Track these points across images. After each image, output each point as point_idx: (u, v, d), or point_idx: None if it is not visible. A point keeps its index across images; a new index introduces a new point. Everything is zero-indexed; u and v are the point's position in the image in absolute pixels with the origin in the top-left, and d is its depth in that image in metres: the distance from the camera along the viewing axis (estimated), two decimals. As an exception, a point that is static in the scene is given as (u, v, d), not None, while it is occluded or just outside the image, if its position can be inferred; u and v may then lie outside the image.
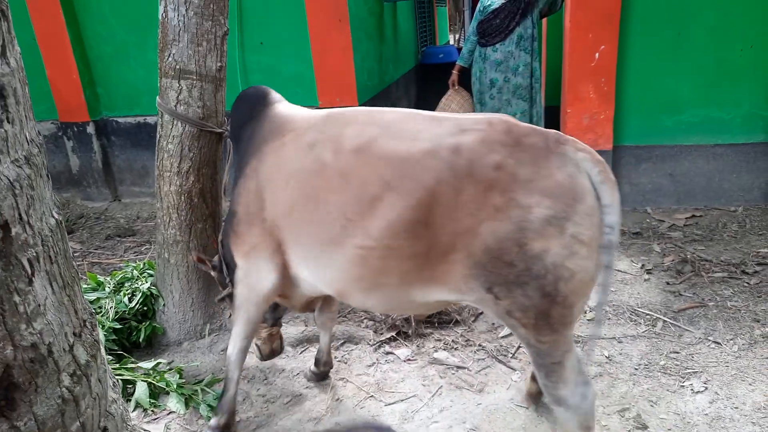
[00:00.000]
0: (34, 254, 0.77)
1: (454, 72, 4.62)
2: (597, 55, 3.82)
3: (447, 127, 1.58)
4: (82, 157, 5.26)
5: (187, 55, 2.49)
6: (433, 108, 4.73)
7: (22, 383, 0.75)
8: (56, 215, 0.85)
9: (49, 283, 0.79)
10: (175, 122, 2.57)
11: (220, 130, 2.65)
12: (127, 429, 1.04)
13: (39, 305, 0.77)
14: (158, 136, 2.65)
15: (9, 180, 0.73)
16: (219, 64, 2.57)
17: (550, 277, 1.41)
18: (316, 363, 2.57)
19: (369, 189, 1.60)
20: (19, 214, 0.74)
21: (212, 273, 2.37)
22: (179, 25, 2.44)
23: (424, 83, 7.80)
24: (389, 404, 2.40)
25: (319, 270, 1.85)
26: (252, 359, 2.64)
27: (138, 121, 5.12)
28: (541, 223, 1.40)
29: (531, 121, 4.52)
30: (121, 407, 1.03)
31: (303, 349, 2.83)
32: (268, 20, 4.61)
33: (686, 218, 3.98)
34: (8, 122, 0.73)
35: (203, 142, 2.62)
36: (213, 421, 2.21)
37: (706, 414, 2.20)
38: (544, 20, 5.63)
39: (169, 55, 2.49)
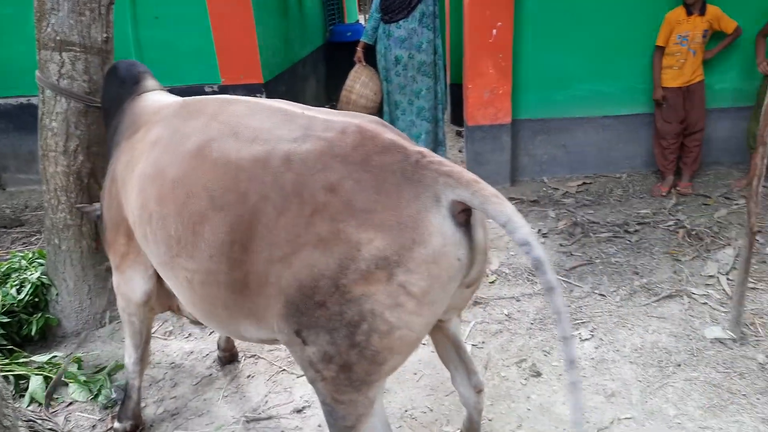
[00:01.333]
0: None
1: (359, 49, 4.63)
2: (494, 31, 3.98)
3: (293, 128, 1.34)
4: (-45, 142, 4.78)
5: (68, 25, 2.33)
6: (341, 86, 4.73)
7: None
8: None
9: None
10: (58, 98, 2.40)
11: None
12: (9, 408, 0.99)
13: None
14: (40, 113, 2.47)
15: None
16: (105, 35, 2.43)
17: (365, 327, 1.17)
18: (218, 347, 2.54)
19: (194, 201, 1.39)
20: None
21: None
22: (56, -9, 2.28)
23: (333, 61, 7.75)
24: (301, 375, 2.42)
25: (171, 287, 1.68)
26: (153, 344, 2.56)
27: (21, 102, 4.71)
28: (368, 264, 1.14)
29: (436, 98, 4.64)
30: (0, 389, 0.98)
31: (211, 330, 2.78)
32: (163, -7, 4.39)
33: (578, 185, 4.28)
34: None
35: (91, 118, 2.48)
36: (119, 426, 2.11)
37: (593, 358, 2.42)
38: (447, -2, 5.77)
39: (48, 24, 2.32)
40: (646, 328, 2.59)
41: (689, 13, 3.78)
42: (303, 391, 2.33)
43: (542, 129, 4.35)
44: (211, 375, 2.49)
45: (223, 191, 1.32)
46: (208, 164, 1.38)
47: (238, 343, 2.61)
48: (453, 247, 1.18)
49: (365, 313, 1.16)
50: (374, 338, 1.17)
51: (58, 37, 2.34)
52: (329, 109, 1.49)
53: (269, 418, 2.21)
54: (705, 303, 2.75)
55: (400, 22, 4.37)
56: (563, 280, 3.02)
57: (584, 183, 4.33)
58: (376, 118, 1.42)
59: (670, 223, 3.58)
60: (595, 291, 2.91)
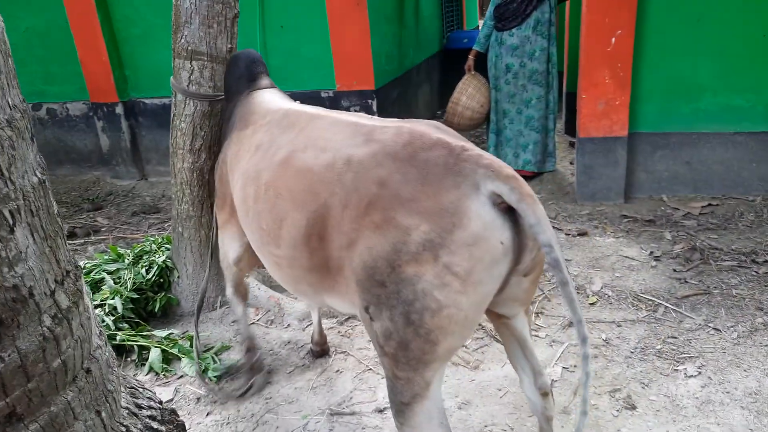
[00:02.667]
0: (15, 207, 0.87)
1: (470, 57, 4.62)
2: (613, 40, 3.77)
3: (356, 136, 1.52)
4: (112, 137, 5.46)
5: (198, 37, 2.58)
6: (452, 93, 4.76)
7: (5, 320, 0.85)
8: (39, 175, 0.95)
9: (30, 234, 0.90)
10: (187, 101, 2.68)
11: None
12: (113, 374, 1.15)
13: (20, 252, 0.87)
14: (172, 115, 2.76)
15: (-9, 139, 0.83)
16: (229, 45, 2.66)
17: (418, 305, 1.27)
18: (312, 341, 2.69)
19: (281, 201, 1.64)
20: (1, 171, 0.84)
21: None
22: (191, 7, 2.54)
23: (448, 68, 7.78)
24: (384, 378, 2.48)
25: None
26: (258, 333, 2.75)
27: (164, 102, 5.28)
28: (417, 246, 1.26)
29: (547, 107, 4.50)
30: (107, 354, 1.14)
31: (309, 323, 2.93)
32: (289, 3, 4.69)
33: (702, 207, 3.93)
34: (-13, 88, 0.83)
35: (214, 121, 2.73)
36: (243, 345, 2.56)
37: (697, 397, 2.22)
38: (567, 4, 5.55)
39: (182, 36, 2.60)
40: (765, 372, 2.32)
41: None
42: (386, 392, 2.39)
43: (663, 143, 4.04)
44: (303, 365, 2.63)
45: (302, 193, 1.55)
46: (291, 171, 1.63)
47: (330, 339, 2.73)
48: (493, 231, 1.26)
49: (417, 292, 1.26)
50: (426, 316, 1.27)
51: (189, 47, 2.61)
52: (394, 119, 1.66)
53: (352, 413, 2.29)
54: (844, 350, 2.40)
55: (513, 30, 4.30)
56: (672, 309, 2.80)
57: (709, 204, 3.95)
58: (432, 121, 1.56)
59: (810, 256, 3.17)
60: (709, 324, 2.66)
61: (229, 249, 2.37)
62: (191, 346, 2.75)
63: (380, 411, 2.29)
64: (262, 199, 1.73)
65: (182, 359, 2.68)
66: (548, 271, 3.19)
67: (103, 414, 1.06)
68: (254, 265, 2.43)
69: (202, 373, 2.58)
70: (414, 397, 1.40)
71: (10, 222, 0.85)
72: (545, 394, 1.75)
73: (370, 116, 1.69)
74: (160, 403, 1.38)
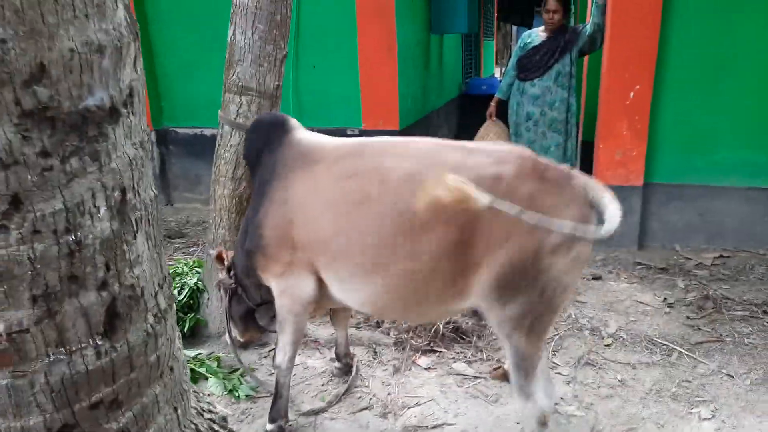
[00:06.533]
0: (139, 216, 1.01)
1: (492, 104, 4.82)
2: (632, 94, 3.96)
3: (483, 158, 1.83)
4: (142, 163, 5.67)
5: (249, 74, 2.79)
6: (472, 137, 4.95)
7: (122, 314, 0.98)
8: (154, 190, 1.10)
9: (146, 240, 1.04)
10: (233, 132, 2.86)
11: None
12: (187, 375, 1.27)
13: (138, 256, 1.01)
14: (217, 145, 2.94)
15: (129, 158, 0.98)
16: (276, 83, 2.86)
17: (552, 286, 1.71)
18: (337, 358, 2.78)
19: (419, 215, 1.78)
20: (133, 184, 0.98)
21: (221, 274, 2.53)
22: (245, 47, 2.75)
23: (466, 113, 8.04)
24: (409, 407, 2.56)
25: (354, 291, 2.04)
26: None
27: (195, 132, 5.51)
28: (556, 243, 1.68)
29: (565, 154, 4.67)
30: (184, 355, 1.26)
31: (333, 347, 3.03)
32: (322, 45, 4.96)
33: (714, 258, 4.03)
34: (132, 114, 0.99)
35: (256, 152, 2.90)
36: (272, 427, 2.32)
37: (712, 440, 2.29)
38: (586, 58, 5.80)
39: (234, 73, 2.80)
40: (778, 419, 2.39)
41: None
42: (408, 422, 2.46)
43: (677, 194, 4.18)
44: (326, 391, 2.72)
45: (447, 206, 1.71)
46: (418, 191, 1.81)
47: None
48: (594, 228, 1.67)
49: (552, 276, 1.70)
50: (558, 294, 1.74)
51: (240, 83, 2.80)
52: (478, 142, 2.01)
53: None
54: None
55: (535, 80, 4.51)
56: (686, 354, 2.88)
57: (721, 256, 4.06)
58: (522, 148, 1.94)
59: (821, 309, 3.25)
60: (723, 370, 2.74)
61: (302, 287, 2.16)
62: (218, 366, 2.84)
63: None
64: (388, 215, 1.83)
65: (209, 379, 2.77)
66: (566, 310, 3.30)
67: (179, 411, 1.18)
68: (324, 306, 2.35)
69: (229, 392, 2.68)
70: (539, 357, 1.86)
71: (135, 228, 0.99)
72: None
73: (453, 141, 2.01)
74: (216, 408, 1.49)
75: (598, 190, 1.76)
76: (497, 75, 13.63)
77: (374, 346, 3.01)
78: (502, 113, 4.84)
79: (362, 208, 1.89)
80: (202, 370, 2.80)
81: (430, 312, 2.10)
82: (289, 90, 4.97)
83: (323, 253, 2.02)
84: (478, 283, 1.80)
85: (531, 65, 4.49)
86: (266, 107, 2.85)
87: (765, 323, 3.13)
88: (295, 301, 2.19)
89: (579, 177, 1.81)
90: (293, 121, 2.32)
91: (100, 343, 0.95)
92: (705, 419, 2.40)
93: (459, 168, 1.76)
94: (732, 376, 2.68)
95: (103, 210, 0.91)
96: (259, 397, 2.66)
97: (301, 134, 2.23)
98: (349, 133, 5.07)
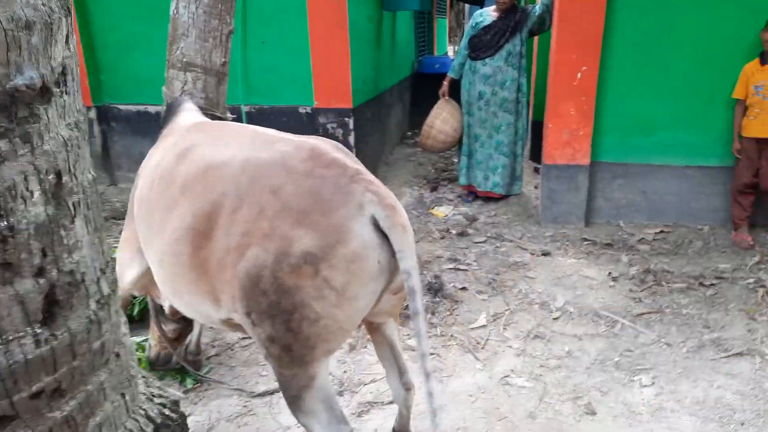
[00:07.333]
0: (77, 200, 0.96)
1: (445, 83, 4.85)
2: (579, 75, 4.06)
3: (258, 141, 1.57)
4: (82, 142, 5.42)
5: (194, 50, 2.68)
6: (425, 116, 4.97)
7: (62, 301, 0.94)
8: (92, 172, 1.05)
9: (86, 225, 0.99)
10: (179, 111, 2.75)
11: (222, 116, 2.85)
12: (135, 361, 1.23)
13: (78, 241, 0.97)
14: (161, 122, 2.83)
15: (63, 138, 0.93)
16: (223, 59, 2.77)
17: (297, 315, 1.36)
18: (186, 350, 2.64)
19: (171, 192, 1.62)
20: (68, 167, 0.93)
21: None
22: (189, 21, 2.64)
23: (419, 91, 8.05)
24: (365, 384, 2.59)
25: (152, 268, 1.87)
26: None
27: (138, 109, 5.29)
28: (298, 258, 1.32)
29: (516, 133, 4.76)
30: (130, 340, 1.22)
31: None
32: (271, 20, 4.82)
33: (655, 233, 4.22)
34: (66, 94, 0.93)
35: (204, 131, 2.81)
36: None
37: (651, 405, 2.42)
38: (536, 39, 5.89)
39: (177, 48, 2.68)
40: (711, 383, 2.55)
41: (763, 63, 3.72)
42: (362, 399, 2.49)
43: (621, 173, 4.34)
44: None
45: (194, 184, 1.54)
46: (186, 162, 1.63)
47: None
48: (372, 251, 1.36)
49: (296, 303, 1.34)
50: (304, 325, 1.36)
51: (184, 59, 2.69)
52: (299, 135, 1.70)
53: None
54: (779, 365, 2.66)
55: (486, 60, 4.56)
56: (629, 325, 3.02)
57: (662, 231, 4.26)
58: (333, 141, 1.62)
59: (750, 280, 3.46)
60: (662, 339, 2.89)
61: (125, 271, 2.12)
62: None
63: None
64: (156, 191, 1.71)
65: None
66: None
67: (127, 397, 1.14)
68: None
69: (181, 381, 2.62)
70: (301, 389, 1.51)
71: (72, 213, 0.94)
72: (408, 389, 1.98)
73: (273, 130, 1.74)
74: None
75: (383, 215, 1.37)
76: (450, 53, 13.68)
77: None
78: (455, 92, 4.87)
79: (149, 177, 1.80)
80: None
81: (198, 312, 1.76)
82: (237, 66, 4.83)
83: (140, 230, 1.91)
84: (227, 291, 1.48)
85: (482, 45, 4.53)
86: (212, 84, 2.75)
87: (701, 295, 3.32)
88: (120, 279, 2.09)
89: (364, 186, 1.40)
90: (188, 104, 2.32)
91: (39, 331, 0.91)
92: (645, 386, 2.54)
93: (226, 147, 1.60)
94: (670, 345, 2.84)
95: (36, 194, 0.86)
96: (210, 381, 2.63)
97: (184, 116, 2.20)
98: (301, 110, 4.99)
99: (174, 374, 2.61)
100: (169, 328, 2.46)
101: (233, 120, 2.89)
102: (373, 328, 1.87)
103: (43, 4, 0.85)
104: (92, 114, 5.33)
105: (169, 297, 1.82)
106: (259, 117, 5.00)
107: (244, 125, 1.83)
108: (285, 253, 1.32)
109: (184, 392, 2.54)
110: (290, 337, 1.38)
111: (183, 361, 2.55)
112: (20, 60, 0.82)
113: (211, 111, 2.77)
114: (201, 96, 2.76)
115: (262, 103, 5.06)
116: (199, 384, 2.59)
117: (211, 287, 1.53)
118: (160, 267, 1.70)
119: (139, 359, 2.66)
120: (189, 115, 2.23)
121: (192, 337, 2.63)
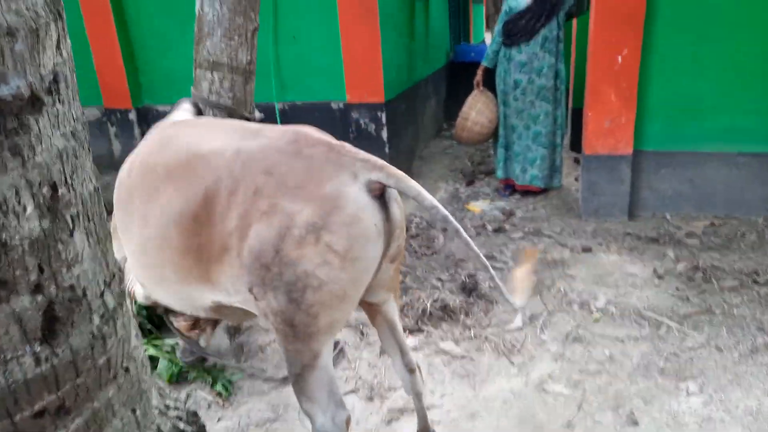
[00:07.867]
0: (75, 212, 0.93)
1: (479, 72, 4.70)
2: (619, 58, 3.85)
3: (246, 132, 1.63)
4: (124, 143, 5.54)
5: (219, 49, 2.65)
6: (462, 106, 4.83)
7: (61, 318, 0.91)
8: (94, 183, 1.01)
9: (86, 238, 0.96)
10: (207, 110, 2.74)
11: (249, 116, 2.82)
12: (147, 374, 1.21)
13: (77, 254, 0.94)
14: (190, 123, 2.83)
15: (58, 149, 0.89)
16: (249, 57, 2.73)
17: (300, 285, 1.40)
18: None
19: (155, 178, 1.65)
20: (65, 178, 0.90)
21: None
22: (213, 20, 2.61)
23: (455, 82, 7.88)
24: (396, 390, 2.52)
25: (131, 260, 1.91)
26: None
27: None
28: (300, 230, 1.38)
29: (555, 123, 4.58)
30: (143, 354, 1.20)
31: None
32: (301, 15, 4.77)
33: (705, 226, 3.99)
34: (59, 102, 0.90)
35: (231, 130, 2.79)
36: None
37: (698, 415, 2.26)
38: (575, 22, 5.65)
39: (204, 48, 2.67)
40: (765, 391, 2.37)
41: None
42: (394, 404, 2.43)
43: (667, 162, 4.11)
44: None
45: (184, 171, 1.58)
46: (171, 150, 1.68)
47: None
48: (368, 213, 1.44)
49: (299, 273, 1.39)
50: (308, 293, 1.41)
51: (211, 59, 2.67)
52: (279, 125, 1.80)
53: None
54: (844, 372, 2.45)
55: (522, 46, 4.38)
56: (675, 327, 2.85)
57: (712, 224, 4.02)
58: (313, 127, 1.68)
59: (812, 277, 3.22)
60: (711, 343, 2.71)
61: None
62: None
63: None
64: (136, 176, 1.74)
65: (161, 360, 2.70)
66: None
67: (138, 412, 1.12)
68: None
69: (212, 385, 2.62)
70: (305, 368, 1.54)
71: (71, 226, 0.91)
72: (412, 370, 1.97)
73: (259, 125, 1.79)
74: (184, 404, 1.43)
75: (384, 174, 1.45)
76: (488, 41, 13.38)
77: (361, 327, 2.97)
78: (490, 82, 4.72)
79: (132, 173, 1.80)
80: (156, 351, 2.73)
81: (180, 297, 1.82)
82: (269, 63, 4.82)
83: (117, 216, 1.92)
84: (224, 273, 1.55)
85: (516, 30, 4.36)
86: (239, 83, 2.72)
87: (754, 293, 3.10)
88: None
89: (353, 156, 1.48)
90: (184, 104, 2.45)
91: (38, 349, 0.89)
92: (692, 394, 2.38)
93: (214, 138, 1.63)
94: (720, 349, 2.66)
95: (30, 208, 0.83)
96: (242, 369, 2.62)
97: (174, 114, 2.31)
98: (333, 106, 4.94)
99: (206, 376, 2.62)
100: (180, 323, 2.51)
101: (261, 120, 2.87)
102: (373, 311, 1.88)
103: (28, 9, 0.82)
104: (132, 116, 5.44)
105: (151, 285, 1.86)
106: (292, 114, 4.98)
107: (223, 120, 1.95)
108: (288, 227, 1.39)
109: (216, 395, 2.54)
110: (293, 309, 1.43)
111: (202, 351, 2.58)
112: (4, 69, 0.79)
113: (237, 110, 2.75)
114: (229, 95, 2.74)
115: (295, 99, 5.03)
116: (229, 388, 2.57)
117: (205, 270, 1.59)
118: (143, 254, 1.73)
119: (171, 362, 2.68)
120: (179, 113, 2.34)
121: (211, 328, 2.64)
